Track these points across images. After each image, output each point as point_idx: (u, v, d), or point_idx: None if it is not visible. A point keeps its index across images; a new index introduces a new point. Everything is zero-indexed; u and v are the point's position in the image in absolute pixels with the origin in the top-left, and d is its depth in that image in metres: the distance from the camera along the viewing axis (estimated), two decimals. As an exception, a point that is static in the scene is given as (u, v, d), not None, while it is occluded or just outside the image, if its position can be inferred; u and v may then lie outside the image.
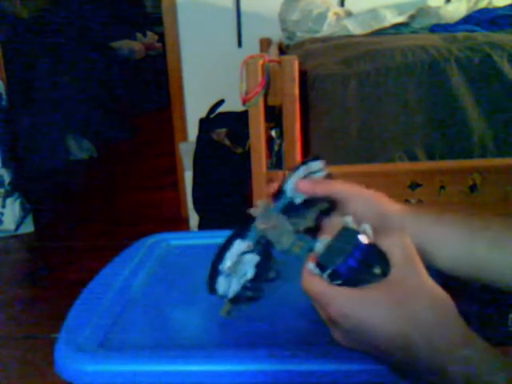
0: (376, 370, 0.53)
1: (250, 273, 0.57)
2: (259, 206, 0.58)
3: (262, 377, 0.55)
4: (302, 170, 0.61)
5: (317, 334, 0.59)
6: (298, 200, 0.59)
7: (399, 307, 0.45)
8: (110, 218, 2.89)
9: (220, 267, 0.56)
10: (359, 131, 1.41)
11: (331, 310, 0.47)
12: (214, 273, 0.56)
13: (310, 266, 0.50)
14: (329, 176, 0.62)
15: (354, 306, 0.46)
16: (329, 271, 0.49)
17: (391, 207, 0.58)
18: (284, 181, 0.60)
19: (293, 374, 0.55)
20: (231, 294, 0.57)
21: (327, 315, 0.48)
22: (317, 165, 0.62)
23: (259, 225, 0.57)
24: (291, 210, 0.59)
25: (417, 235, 0.54)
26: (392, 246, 0.49)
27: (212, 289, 0.56)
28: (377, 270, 0.48)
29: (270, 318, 0.63)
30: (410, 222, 0.57)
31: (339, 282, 0.48)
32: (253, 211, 0.58)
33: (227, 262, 0.56)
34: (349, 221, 0.51)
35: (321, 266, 0.49)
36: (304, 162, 0.61)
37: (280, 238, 0.56)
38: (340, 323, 0.47)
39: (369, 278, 0.48)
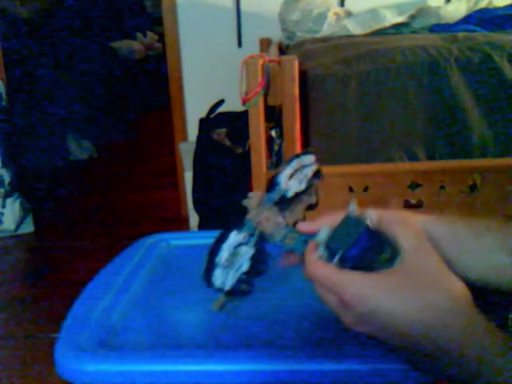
0: (376, 370, 0.53)
1: (245, 265, 0.56)
2: (252, 198, 0.58)
3: (261, 377, 0.55)
4: (295, 163, 0.61)
5: (317, 333, 0.59)
6: (289, 194, 0.59)
7: (417, 294, 0.45)
8: (110, 218, 2.89)
9: (217, 259, 0.55)
10: (359, 131, 1.41)
11: (347, 293, 0.47)
12: (211, 265, 0.55)
13: (320, 250, 0.50)
14: (318, 171, 0.62)
15: (371, 290, 0.46)
16: (338, 256, 0.49)
17: (421, 219, 0.55)
18: (277, 173, 0.60)
19: (292, 374, 0.55)
20: (228, 286, 0.56)
21: (340, 299, 0.48)
22: (308, 158, 0.62)
23: (252, 217, 0.57)
24: (282, 202, 0.59)
25: (455, 245, 0.53)
26: (405, 233, 0.49)
27: (209, 282, 0.55)
28: (386, 255, 0.49)
29: (270, 317, 0.63)
30: (447, 232, 0.54)
31: (349, 267, 0.49)
32: (246, 202, 0.58)
33: (224, 254, 0.55)
34: (352, 209, 0.51)
35: (328, 252, 0.50)
36: (297, 156, 0.62)
37: (272, 231, 0.57)
38: (355, 307, 0.47)
39: (378, 263, 0.48)
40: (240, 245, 0.56)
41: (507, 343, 0.44)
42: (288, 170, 0.60)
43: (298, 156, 0.61)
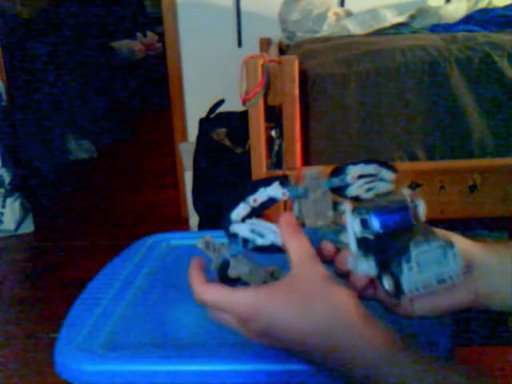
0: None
1: (264, 240, 0.52)
2: (310, 174, 0.55)
3: (261, 376, 0.55)
4: (373, 169, 0.57)
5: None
6: (350, 192, 0.56)
7: (302, 310, 0.47)
8: (110, 217, 2.89)
9: (249, 197, 0.51)
10: (359, 131, 1.41)
11: (242, 312, 0.48)
12: (240, 198, 0.51)
13: (346, 206, 0.50)
14: (390, 192, 0.57)
15: (263, 306, 0.47)
16: (365, 217, 0.49)
17: (467, 244, 0.54)
18: (348, 164, 0.57)
19: (292, 374, 0.55)
20: (236, 229, 0.52)
21: (237, 317, 0.49)
22: (389, 174, 0.57)
23: (303, 187, 0.54)
24: (338, 192, 0.56)
25: (499, 273, 0.53)
26: (295, 247, 0.50)
27: (228, 212, 0.51)
28: (420, 237, 0.49)
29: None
30: (492, 260, 0.54)
31: (373, 234, 0.49)
32: (306, 171, 0.55)
33: (258, 196, 0.52)
34: (405, 193, 0.52)
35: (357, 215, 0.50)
36: (381, 163, 0.57)
37: (315, 214, 0.54)
38: (251, 323, 0.48)
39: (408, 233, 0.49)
40: (274, 199, 0.53)
41: (403, 359, 0.45)
42: (360, 168, 0.56)
43: (379, 163, 0.57)
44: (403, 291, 0.48)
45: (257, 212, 0.52)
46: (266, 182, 0.52)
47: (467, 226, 1.56)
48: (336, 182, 0.56)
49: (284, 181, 0.53)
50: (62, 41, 3.88)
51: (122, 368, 0.57)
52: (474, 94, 1.39)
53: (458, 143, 1.42)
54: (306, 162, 1.40)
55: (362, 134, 1.42)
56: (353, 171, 0.56)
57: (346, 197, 0.56)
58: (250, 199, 0.51)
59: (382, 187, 0.57)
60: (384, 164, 0.57)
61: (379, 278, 0.50)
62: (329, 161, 1.41)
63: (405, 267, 0.47)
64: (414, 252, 0.47)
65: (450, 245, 0.49)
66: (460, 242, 0.53)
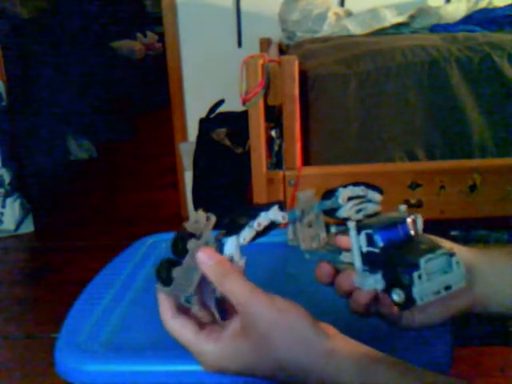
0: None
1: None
2: (304, 197, 0.57)
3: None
4: (360, 190, 0.59)
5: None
6: (342, 214, 0.58)
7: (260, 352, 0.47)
8: (109, 217, 2.89)
9: (253, 222, 0.53)
10: (359, 131, 1.41)
11: (205, 365, 0.50)
12: (242, 225, 0.52)
13: (351, 223, 0.51)
14: (378, 213, 0.59)
15: (225, 362, 0.49)
16: (370, 231, 0.50)
17: (463, 250, 0.55)
18: (339, 186, 0.59)
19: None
20: (242, 239, 0.53)
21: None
22: (375, 196, 0.59)
23: (299, 209, 0.56)
24: (329, 214, 0.58)
25: (494, 276, 0.54)
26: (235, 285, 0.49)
27: (235, 231, 0.52)
28: (424, 246, 0.50)
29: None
30: (482, 264, 0.55)
31: (377, 248, 0.50)
32: (300, 194, 0.57)
33: (261, 220, 0.53)
34: (402, 209, 0.54)
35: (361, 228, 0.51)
36: (368, 185, 0.60)
37: (310, 236, 0.56)
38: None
39: (415, 251, 0.50)
40: (275, 223, 0.54)
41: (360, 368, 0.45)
42: (350, 190, 0.58)
43: (366, 184, 0.60)
44: (414, 301, 0.48)
45: (260, 236, 0.54)
46: (266, 207, 0.54)
47: (467, 226, 1.56)
48: (329, 204, 0.58)
49: (282, 205, 0.55)
50: (61, 41, 3.88)
51: (122, 368, 0.57)
52: (473, 94, 1.39)
53: (458, 143, 1.42)
54: (306, 161, 1.40)
55: (361, 134, 1.42)
56: (343, 193, 0.58)
57: (337, 218, 0.58)
58: (255, 224, 0.53)
59: (370, 208, 0.59)
60: (371, 186, 0.60)
61: (386, 291, 0.51)
62: (329, 161, 1.41)
63: (415, 276, 0.48)
64: (422, 261, 0.48)
65: (452, 252, 0.50)
66: (454, 248, 0.53)
